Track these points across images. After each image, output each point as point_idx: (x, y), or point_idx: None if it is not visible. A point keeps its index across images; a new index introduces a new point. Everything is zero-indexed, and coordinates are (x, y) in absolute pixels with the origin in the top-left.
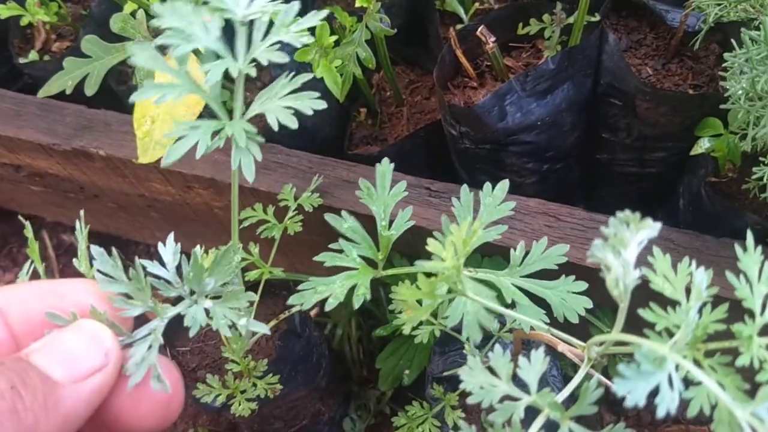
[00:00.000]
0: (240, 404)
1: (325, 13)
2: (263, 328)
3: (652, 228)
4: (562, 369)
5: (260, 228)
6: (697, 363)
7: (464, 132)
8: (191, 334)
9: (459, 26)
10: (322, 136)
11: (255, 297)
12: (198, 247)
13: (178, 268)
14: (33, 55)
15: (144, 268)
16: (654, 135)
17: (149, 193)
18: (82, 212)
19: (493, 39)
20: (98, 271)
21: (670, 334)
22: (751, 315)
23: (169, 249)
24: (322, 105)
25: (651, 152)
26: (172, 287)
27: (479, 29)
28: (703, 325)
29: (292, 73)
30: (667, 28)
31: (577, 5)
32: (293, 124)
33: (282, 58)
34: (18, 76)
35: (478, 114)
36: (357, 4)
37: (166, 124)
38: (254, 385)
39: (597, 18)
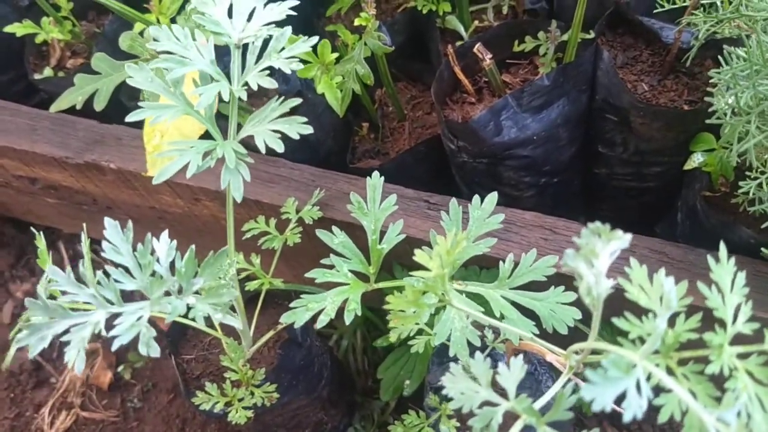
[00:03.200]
0: (237, 412)
1: (314, 40)
2: (237, 323)
3: (622, 240)
4: None
5: (261, 239)
6: (670, 371)
7: (462, 146)
8: (167, 321)
9: (458, 43)
10: (325, 149)
11: (236, 293)
12: (193, 246)
13: (172, 264)
14: (47, 72)
15: (153, 250)
16: (650, 150)
17: (159, 205)
18: (84, 225)
19: (489, 56)
20: (105, 240)
21: (644, 343)
22: (723, 324)
23: (163, 244)
24: (308, 130)
25: (648, 167)
26: (163, 282)
27: (476, 46)
28: (676, 334)
29: (282, 98)
30: (663, 44)
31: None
32: (279, 147)
33: (271, 83)
34: (34, 92)
35: (474, 129)
36: (356, 23)
37: (174, 138)
38: (252, 393)
39: (592, 35)
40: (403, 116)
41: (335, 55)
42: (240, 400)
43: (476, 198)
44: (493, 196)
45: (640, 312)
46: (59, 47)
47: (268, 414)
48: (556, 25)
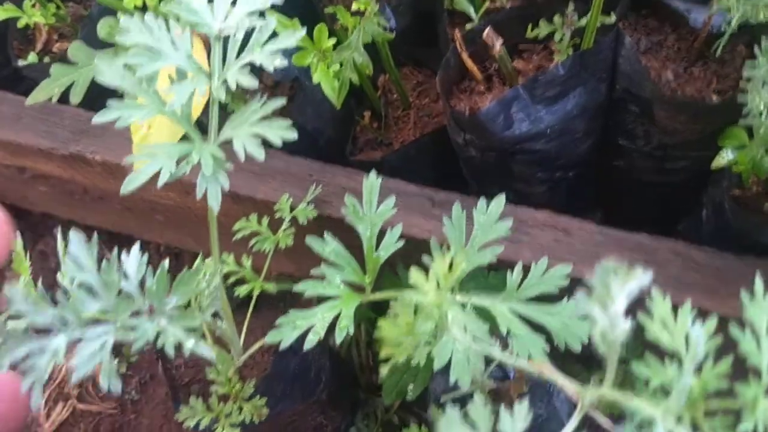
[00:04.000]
0: (223, 429)
1: (301, 33)
2: (209, 353)
3: (642, 279)
4: None
5: (253, 240)
6: (695, 426)
7: (469, 140)
8: (134, 348)
9: (468, 25)
10: (325, 139)
11: (208, 319)
12: (167, 261)
13: (142, 280)
14: (32, 57)
15: (119, 263)
16: (675, 143)
17: (150, 197)
18: (58, 231)
19: (500, 42)
20: (68, 254)
21: (667, 392)
22: (757, 373)
23: (133, 259)
24: (292, 134)
25: (672, 161)
26: (131, 302)
27: (485, 31)
28: (703, 382)
29: (264, 97)
30: (690, 28)
31: (591, 5)
32: (260, 155)
33: (252, 82)
34: (21, 79)
35: (483, 121)
36: (354, 7)
37: (163, 129)
38: (240, 408)
39: (612, 19)
40: (408, 104)
41: (333, 40)
42: (227, 416)
43: (482, 201)
44: (500, 199)
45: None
46: (45, 31)
47: (261, 425)
48: (573, 8)
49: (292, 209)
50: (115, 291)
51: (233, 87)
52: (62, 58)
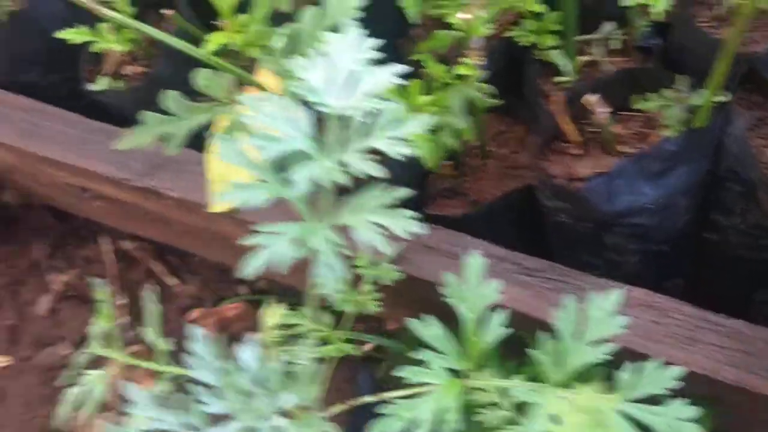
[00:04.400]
0: None
1: (426, 120)
2: None
3: None
4: None
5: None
6: None
7: (562, 207)
8: None
9: (559, 78)
10: (402, 185)
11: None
12: (279, 353)
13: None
14: (103, 83)
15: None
16: None
17: (218, 230)
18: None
19: (607, 110)
20: (190, 353)
21: None
22: None
23: (250, 350)
24: (416, 227)
25: (766, 239)
26: (250, 408)
27: (594, 99)
28: None
29: (384, 185)
30: None
31: (699, 77)
32: (386, 248)
33: (378, 171)
34: (83, 95)
35: (584, 193)
36: (459, 72)
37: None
38: None
39: (728, 98)
40: (486, 154)
41: (428, 98)
42: None
43: (596, 298)
44: (617, 295)
45: None
46: (118, 53)
47: None
48: (689, 83)
49: (372, 265)
50: (236, 391)
51: (356, 173)
52: (136, 89)
